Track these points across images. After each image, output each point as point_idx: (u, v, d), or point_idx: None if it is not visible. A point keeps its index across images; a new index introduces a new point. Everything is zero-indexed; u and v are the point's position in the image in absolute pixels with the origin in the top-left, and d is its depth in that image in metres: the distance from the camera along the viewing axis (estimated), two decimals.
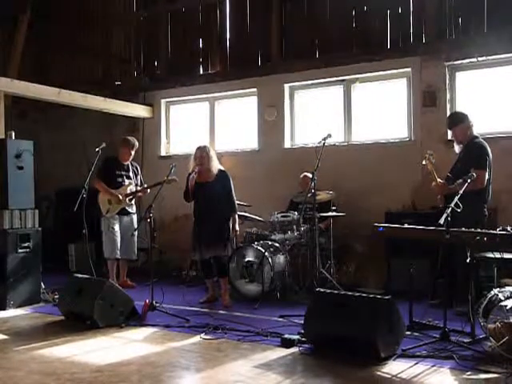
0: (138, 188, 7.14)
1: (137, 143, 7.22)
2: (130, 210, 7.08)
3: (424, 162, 5.48)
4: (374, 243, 6.50)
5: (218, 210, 5.97)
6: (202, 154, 6.03)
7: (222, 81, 8.40)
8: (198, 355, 4.25)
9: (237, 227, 6.14)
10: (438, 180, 5.49)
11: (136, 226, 6.97)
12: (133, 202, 7.12)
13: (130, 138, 7.24)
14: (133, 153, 7.15)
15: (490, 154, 5.42)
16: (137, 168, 7.34)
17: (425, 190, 5.86)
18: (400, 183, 6.85)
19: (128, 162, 7.17)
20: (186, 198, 6.14)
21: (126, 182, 7.05)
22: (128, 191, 7.00)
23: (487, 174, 5.30)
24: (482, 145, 5.44)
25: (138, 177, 7.30)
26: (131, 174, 7.16)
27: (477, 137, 5.52)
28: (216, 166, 6.10)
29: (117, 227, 6.95)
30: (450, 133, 5.62)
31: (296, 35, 7.92)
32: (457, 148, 5.61)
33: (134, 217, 7.16)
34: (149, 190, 7.07)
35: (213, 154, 6.14)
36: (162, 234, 8.23)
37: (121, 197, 6.90)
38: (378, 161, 7.10)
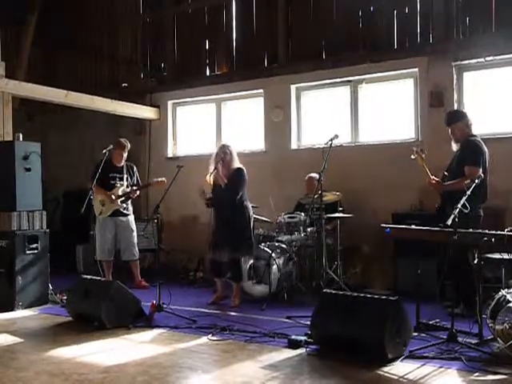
0: (131, 189, 7.12)
1: (128, 144, 7.20)
2: (125, 211, 7.09)
3: (413, 156, 5.44)
4: (380, 244, 6.48)
5: (231, 213, 5.92)
6: (225, 151, 5.98)
7: (228, 82, 8.40)
8: (205, 356, 4.25)
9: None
10: (432, 177, 5.44)
11: (134, 226, 7.08)
12: (128, 203, 7.12)
13: (121, 139, 7.21)
14: (125, 155, 7.16)
15: (487, 154, 5.31)
16: (132, 168, 7.32)
17: (432, 191, 5.83)
18: (407, 184, 6.80)
19: (122, 164, 7.18)
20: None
21: (119, 184, 7.08)
22: (120, 193, 7.01)
23: (481, 171, 5.09)
24: (477, 143, 5.34)
25: (134, 177, 7.29)
26: (125, 175, 7.17)
27: (474, 135, 5.43)
28: (234, 165, 6.04)
29: (109, 229, 6.98)
30: (449, 130, 5.56)
31: (302, 36, 7.90)
32: (454, 146, 5.55)
33: (131, 217, 7.19)
34: (138, 192, 7.12)
35: (234, 152, 6.07)
36: (169, 234, 8.25)
37: (113, 196, 6.92)
38: (385, 161, 7.06)
